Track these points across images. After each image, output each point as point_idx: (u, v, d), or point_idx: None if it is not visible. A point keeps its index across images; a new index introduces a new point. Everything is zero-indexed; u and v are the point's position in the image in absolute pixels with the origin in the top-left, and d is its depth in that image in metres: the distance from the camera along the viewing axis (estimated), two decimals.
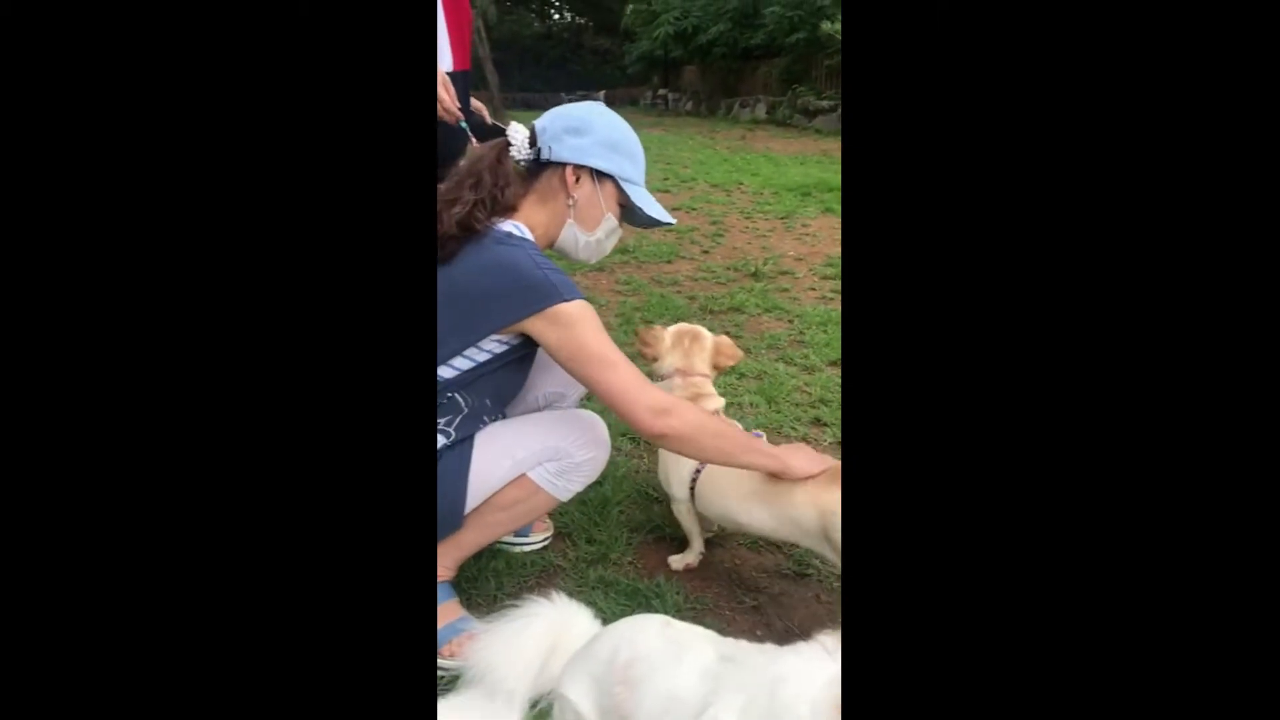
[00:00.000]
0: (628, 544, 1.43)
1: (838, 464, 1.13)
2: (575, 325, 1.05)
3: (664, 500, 1.53)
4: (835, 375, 2.26)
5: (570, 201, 1.16)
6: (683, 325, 1.39)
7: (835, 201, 5.28)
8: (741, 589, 1.33)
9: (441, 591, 1.17)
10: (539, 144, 1.15)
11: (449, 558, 1.18)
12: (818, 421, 1.96)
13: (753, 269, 3.51)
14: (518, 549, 1.40)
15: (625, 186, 1.17)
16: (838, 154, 8.38)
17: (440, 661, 1.12)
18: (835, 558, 1.11)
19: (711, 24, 14.96)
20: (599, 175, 1.16)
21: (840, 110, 11.25)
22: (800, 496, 1.13)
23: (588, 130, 1.14)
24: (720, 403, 1.34)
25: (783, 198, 5.50)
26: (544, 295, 1.04)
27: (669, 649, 0.83)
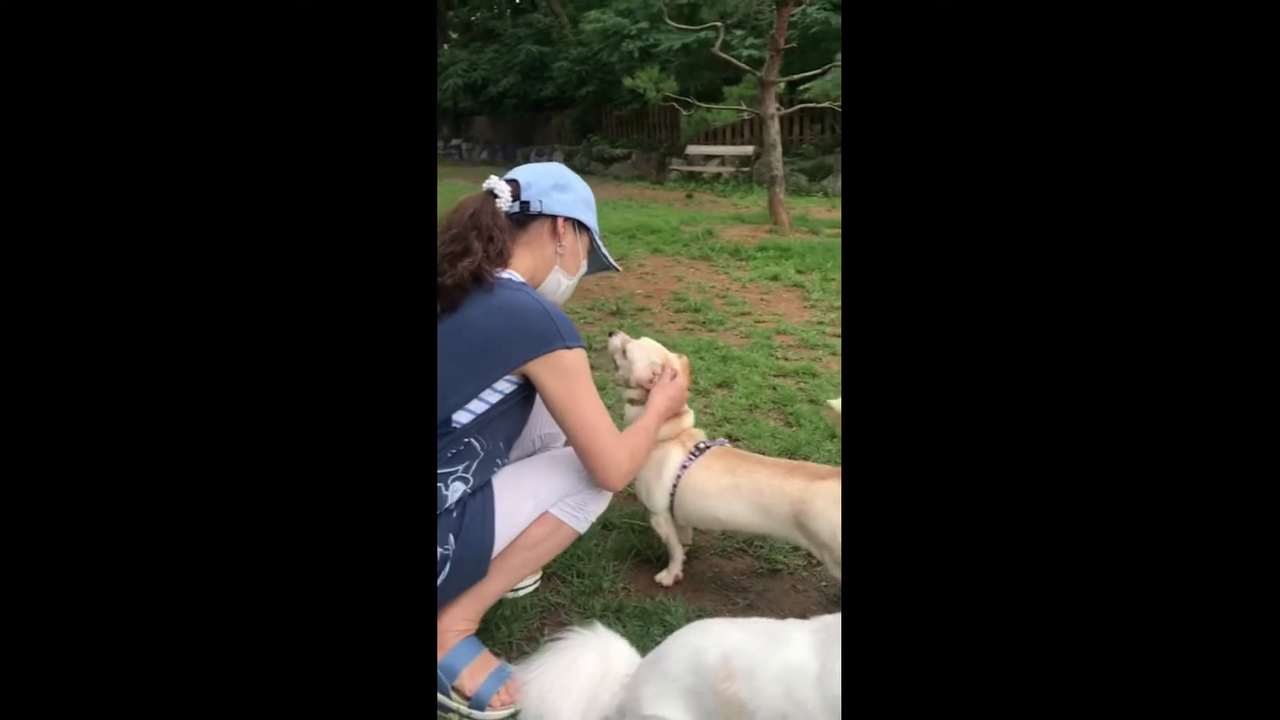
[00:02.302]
0: (616, 571, 1.49)
1: (807, 464, 1.31)
2: (574, 379, 1.13)
3: (639, 523, 1.61)
4: (726, 396, 2.48)
5: (560, 250, 1.25)
6: (651, 350, 1.48)
7: (661, 242, 5.67)
8: (732, 592, 1.45)
9: (470, 645, 1.15)
10: (525, 197, 1.22)
11: (472, 609, 1.17)
12: (730, 438, 2.15)
13: (613, 308, 3.69)
14: (514, 594, 1.40)
15: (596, 238, 1.33)
16: (642, 199, 8.95)
17: (490, 714, 1.10)
18: (806, 541, 1.28)
19: (501, 76, 15.27)
20: (579, 227, 1.28)
21: (634, 158, 12.01)
22: (770, 487, 1.30)
23: (569, 187, 1.28)
24: (691, 415, 1.49)
25: (611, 241, 5.78)
26: (549, 339, 1.11)
27: (760, 637, 0.91)
